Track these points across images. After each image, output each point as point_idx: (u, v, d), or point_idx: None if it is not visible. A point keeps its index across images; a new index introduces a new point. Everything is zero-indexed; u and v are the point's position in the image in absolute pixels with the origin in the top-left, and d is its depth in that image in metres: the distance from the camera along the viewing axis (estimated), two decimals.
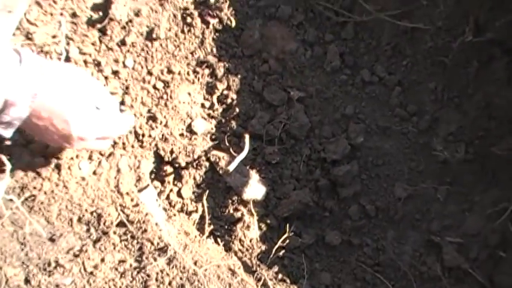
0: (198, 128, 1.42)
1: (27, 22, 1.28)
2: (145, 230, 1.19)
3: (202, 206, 1.36)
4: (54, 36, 1.31)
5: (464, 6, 1.47)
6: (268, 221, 1.39)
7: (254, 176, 1.41)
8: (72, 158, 1.23)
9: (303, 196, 1.40)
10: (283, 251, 1.36)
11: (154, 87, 1.39)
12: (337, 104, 1.52)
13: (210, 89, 1.45)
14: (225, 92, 1.45)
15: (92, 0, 1.37)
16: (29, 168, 1.19)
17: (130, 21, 1.39)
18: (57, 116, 1.04)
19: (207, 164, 1.40)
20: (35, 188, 1.17)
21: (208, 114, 1.45)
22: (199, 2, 1.45)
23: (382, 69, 1.54)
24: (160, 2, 1.42)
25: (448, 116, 1.50)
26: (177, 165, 1.38)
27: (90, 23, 1.37)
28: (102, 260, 1.13)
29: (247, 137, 1.41)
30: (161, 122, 1.38)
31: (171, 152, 1.37)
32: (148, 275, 1.13)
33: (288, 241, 1.35)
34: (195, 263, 1.19)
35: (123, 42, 1.38)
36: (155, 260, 1.15)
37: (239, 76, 1.46)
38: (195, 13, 1.44)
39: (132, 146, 1.34)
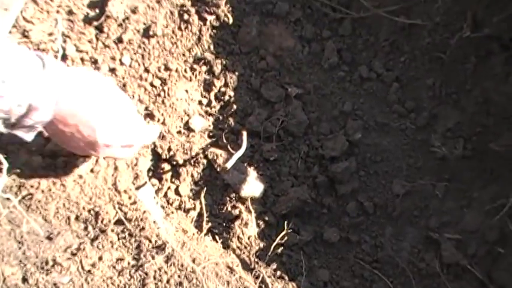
0: (196, 125, 1.42)
1: (24, 20, 1.28)
2: (143, 228, 1.19)
3: (200, 203, 1.36)
4: (50, 34, 1.30)
5: (462, 2, 1.46)
6: (266, 218, 1.39)
7: (252, 173, 1.41)
8: (69, 156, 1.23)
9: (301, 193, 1.39)
10: (281, 248, 1.35)
11: (152, 84, 1.39)
12: (335, 101, 1.51)
13: (208, 86, 1.45)
14: (223, 89, 1.45)
15: None
16: (26, 166, 1.19)
17: (127, 18, 1.38)
18: (83, 123, 1.05)
19: (205, 161, 1.40)
20: (32, 186, 1.16)
21: (206, 112, 1.44)
22: None
23: (380, 65, 1.54)
24: None
25: (446, 112, 1.50)
26: (174, 162, 1.38)
27: (87, 20, 1.36)
28: (100, 258, 1.13)
29: (245, 134, 1.41)
30: (158, 120, 1.38)
31: (169, 149, 1.37)
32: (146, 273, 1.13)
33: (286, 238, 1.35)
34: (193, 261, 1.18)
35: (119, 40, 1.37)
36: (153, 257, 1.15)
37: (236, 73, 1.46)
38: (192, 10, 1.44)
39: None
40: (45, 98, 0.96)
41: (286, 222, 1.36)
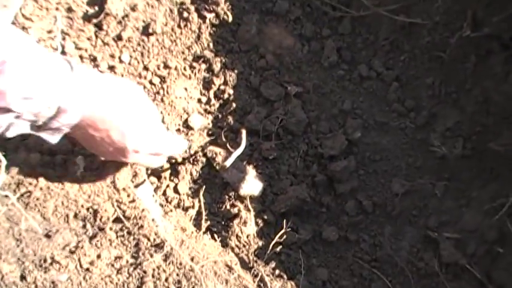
0: (195, 123, 1.41)
1: (23, 17, 1.27)
2: (142, 226, 1.19)
3: (199, 201, 1.36)
4: (49, 31, 1.30)
5: (462, 1, 1.46)
6: (265, 217, 1.39)
7: (251, 171, 1.40)
8: (67, 154, 1.22)
9: (300, 192, 1.39)
10: (280, 247, 1.35)
11: (151, 82, 1.39)
12: (335, 99, 1.51)
13: (207, 84, 1.45)
14: (222, 87, 1.45)
15: None
16: (24, 164, 1.18)
17: (127, 16, 1.38)
18: (114, 128, 1.06)
19: (204, 159, 1.39)
20: (30, 184, 1.16)
21: (205, 110, 1.44)
22: None
23: (380, 64, 1.54)
24: None
25: (445, 111, 1.49)
26: (173, 160, 1.38)
27: (86, 17, 1.36)
28: (99, 256, 1.13)
29: (244, 132, 1.41)
30: None
31: None
32: (144, 271, 1.12)
33: (285, 237, 1.35)
34: (192, 259, 1.18)
35: (119, 37, 1.37)
36: (152, 256, 1.15)
37: (236, 71, 1.46)
38: (192, 8, 1.44)
39: None
40: (73, 100, 0.96)
41: (285, 221, 1.36)
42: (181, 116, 1.41)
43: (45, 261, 1.08)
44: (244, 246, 1.35)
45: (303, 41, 1.53)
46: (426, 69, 1.52)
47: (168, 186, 1.37)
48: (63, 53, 1.29)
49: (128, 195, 1.25)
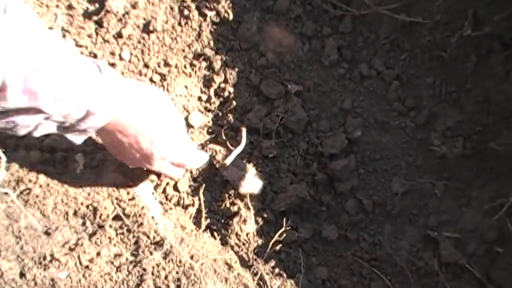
0: (195, 121, 1.41)
1: None
2: (142, 224, 1.19)
3: (199, 199, 1.36)
4: (50, 28, 1.30)
5: (463, 0, 1.46)
6: (265, 215, 1.39)
7: (251, 169, 1.40)
8: (67, 151, 1.22)
9: (300, 190, 1.39)
10: (279, 246, 1.35)
11: (151, 80, 1.39)
12: (335, 98, 1.51)
13: (207, 82, 1.45)
14: (222, 85, 1.45)
15: None
16: (24, 161, 1.18)
17: (127, 13, 1.38)
18: (142, 134, 1.07)
19: None
20: (30, 181, 1.16)
21: (205, 108, 1.44)
22: None
23: (380, 63, 1.54)
24: None
25: (446, 110, 1.49)
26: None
27: (87, 15, 1.36)
28: (98, 253, 1.13)
29: (244, 130, 1.41)
30: None
31: None
32: (144, 269, 1.12)
33: (284, 235, 1.35)
34: (192, 257, 1.18)
35: (119, 35, 1.37)
36: (151, 254, 1.15)
37: (236, 69, 1.46)
38: (192, 6, 1.43)
39: None
40: (102, 103, 0.97)
41: (284, 219, 1.36)
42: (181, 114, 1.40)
43: (44, 258, 1.08)
44: (244, 244, 1.34)
45: (303, 39, 1.52)
46: (427, 68, 1.52)
47: (167, 184, 1.36)
48: None
49: (128, 193, 1.25)
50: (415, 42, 1.53)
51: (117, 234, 1.17)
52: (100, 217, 1.17)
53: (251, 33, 1.47)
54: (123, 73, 1.36)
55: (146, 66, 1.38)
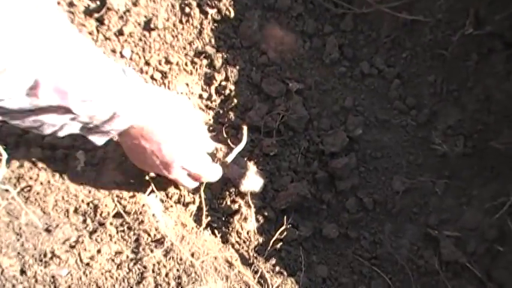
0: None
1: None
2: (142, 221, 1.19)
3: (200, 197, 1.35)
4: None
5: None
6: (266, 213, 1.39)
7: (252, 167, 1.40)
8: (68, 148, 1.22)
9: (301, 188, 1.39)
10: (280, 244, 1.35)
11: (152, 77, 1.39)
12: (336, 96, 1.51)
13: (208, 79, 1.45)
14: (223, 83, 1.45)
15: None
16: (25, 158, 1.18)
17: (128, 10, 1.38)
18: (167, 142, 1.07)
19: None
20: (31, 178, 1.16)
21: (206, 105, 1.44)
22: None
23: (382, 61, 1.54)
24: None
25: (447, 109, 1.49)
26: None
27: (88, 12, 1.36)
28: (99, 251, 1.12)
29: (245, 128, 1.40)
30: None
31: None
32: (145, 267, 1.12)
33: (285, 233, 1.35)
34: (192, 255, 1.18)
35: (120, 32, 1.37)
36: (152, 251, 1.15)
37: (237, 67, 1.46)
38: (194, 3, 1.43)
39: None
40: (128, 105, 0.97)
41: (285, 217, 1.36)
42: None
43: (45, 255, 1.08)
44: (244, 242, 1.34)
45: (304, 37, 1.52)
46: (428, 67, 1.52)
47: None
48: None
49: (128, 191, 1.25)
50: (416, 40, 1.53)
51: (117, 232, 1.16)
52: (101, 214, 1.17)
53: (252, 31, 1.47)
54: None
55: (147, 63, 1.38)
